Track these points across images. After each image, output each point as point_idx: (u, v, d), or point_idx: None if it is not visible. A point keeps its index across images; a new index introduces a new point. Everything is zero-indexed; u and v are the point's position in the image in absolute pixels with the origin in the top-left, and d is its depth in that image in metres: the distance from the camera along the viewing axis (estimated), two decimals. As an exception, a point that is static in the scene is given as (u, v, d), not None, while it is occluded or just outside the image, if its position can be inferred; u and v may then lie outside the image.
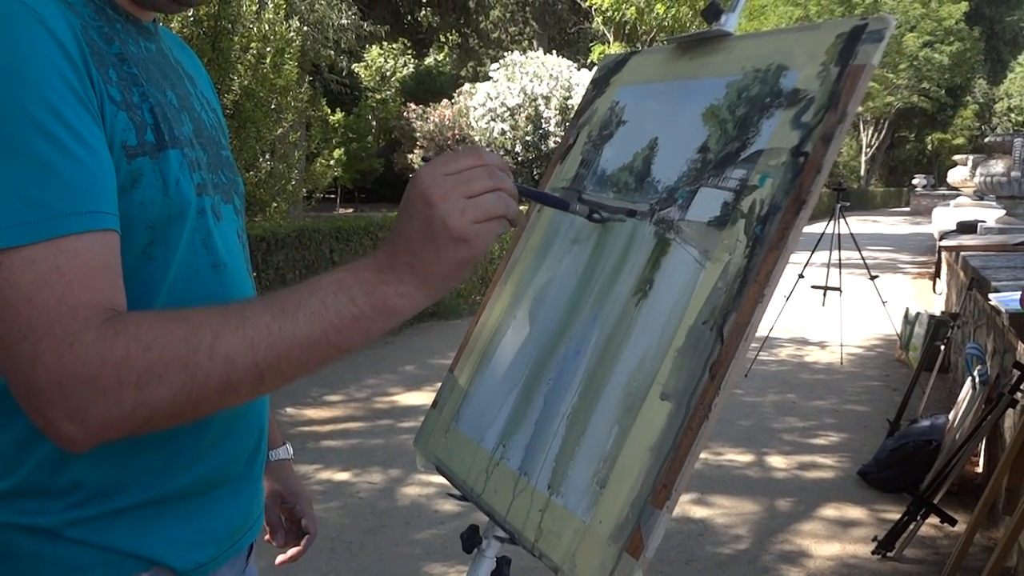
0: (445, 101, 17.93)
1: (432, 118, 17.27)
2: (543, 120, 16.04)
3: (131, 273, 0.83)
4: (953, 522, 3.38)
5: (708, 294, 0.83)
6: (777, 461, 4.63)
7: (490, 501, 0.97)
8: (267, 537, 1.32)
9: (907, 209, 36.68)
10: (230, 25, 7.83)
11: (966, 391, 4.01)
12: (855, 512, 3.93)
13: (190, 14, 7.39)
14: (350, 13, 16.73)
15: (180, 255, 0.89)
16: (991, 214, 9.00)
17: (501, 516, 0.94)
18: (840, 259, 6.78)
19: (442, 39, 27.41)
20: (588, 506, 0.84)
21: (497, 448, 1.00)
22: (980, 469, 4.21)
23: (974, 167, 8.76)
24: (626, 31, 19.52)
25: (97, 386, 0.70)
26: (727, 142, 0.91)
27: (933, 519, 3.41)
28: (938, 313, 6.60)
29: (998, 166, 7.65)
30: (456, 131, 16.86)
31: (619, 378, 0.88)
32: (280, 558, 1.31)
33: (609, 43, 19.66)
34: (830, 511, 3.95)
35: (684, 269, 0.87)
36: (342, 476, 4.38)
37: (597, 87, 1.20)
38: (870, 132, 42.26)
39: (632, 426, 0.84)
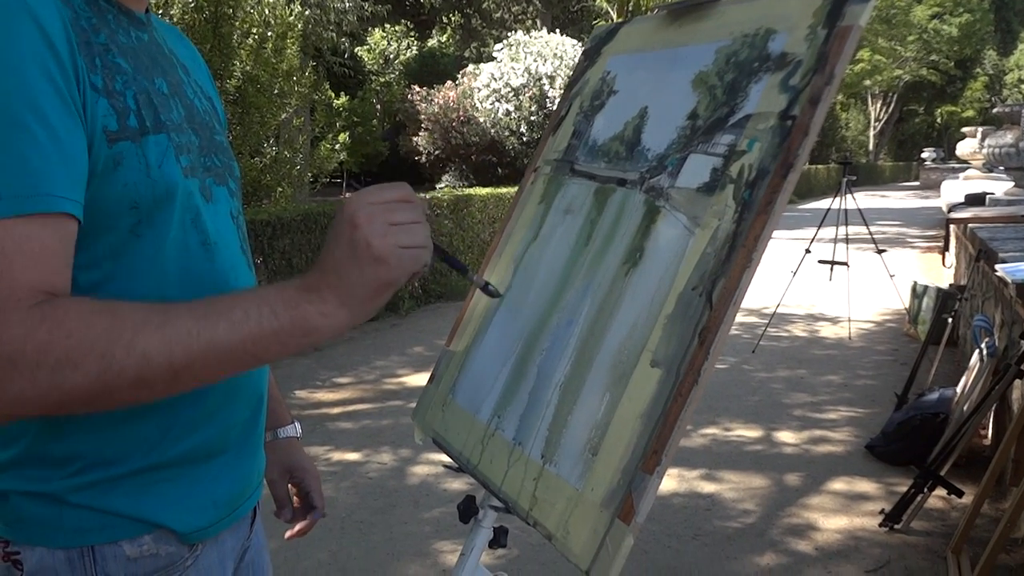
0: (449, 83, 17.84)
1: (436, 100, 17.19)
2: (548, 100, 15.97)
3: (121, 250, 0.87)
4: (960, 494, 3.38)
5: (697, 260, 0.83)
6: (786, 436, 4.64)
7: (486, 471, 0.98)
8: (275, 512, 1.35)
9: (916, 183, 36.46)
10: (231, 10, 7.79)
11: (974, 363, 3.99)
12: (863, 485, 3.93)
13: (190, 1, 7.37)
14: (351, -5, 16.64)
15: (171, 234, 0.92)
16: (1000, 186, 8.93)
17: (496, 486, 0.95)
18: (847, 234, 6.74)
19: (444, 20, 27.27)
20: (580, 474, 0.84)
21: (492, 419, 1.00)
22: (988, 441, 4.20)
23: (983, 139, 8.68)
24: (629, 8, 19.37)
25: (15, 364, 0.73)
26: (716, 108, 0.90)
27: (941, 491, 3.42)
28: (946, 286, 6.58)
29: (1007, 137, 7.59)
30: (461, 113, 16.79)
31: (610, 346, 0.88)
32: (288, 533, 1.34)
33: (612, 21, 19.52)
34: (838, 485, 3.95)
35: (674, 236, 0.87)
36: (352, 457, 4.40)
37: (589, 57, 1.20)
38: (878, 106, 41.94)
39: (623, 394, 0.84)
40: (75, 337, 0.74)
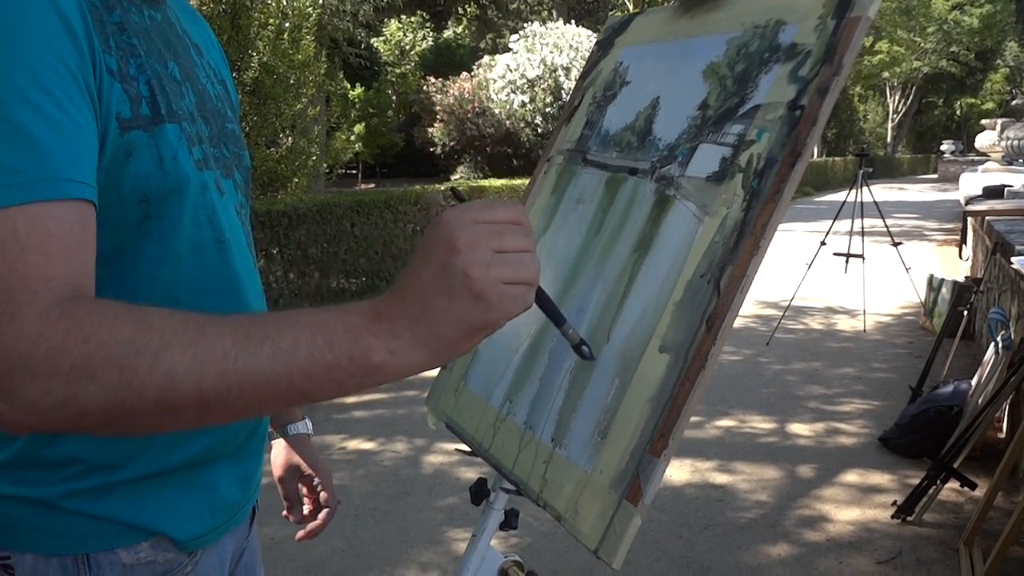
0: (465, 74, 17.86)
1: (452, 91, 17.22)
2: (563, 91, 15.94)
3: (126, 248, 0.82)
4: (973, 486, 3.38)
5: (706, 248, 0.84)
6: (800, 428, 4.64)
7: (497, 455, 0.99)
8: (284, 512, 1.33)
9: (934, 176, 36.14)
10: (249, 1, 7.83)
11: (989, 356, 3.98)
12: (876, 478, 3.93)
13: (209, -9, 7.42)
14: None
15: (184, 231, 0.87)
16: (1019, 179, 8.86)
17: (508, 469, 0.97)
18: (863, 226, 6.72)
19: (460, 11, 27.24)
20: (590, 457, 0.86)
21: (504, 404, 1.02)
22: (1003, 434, 4.19)
23: (1002, 131, 8.61)
24: (646, 0, 19.30)
25: (27, 366, 0.63)
26: (726, 98, 0.92)
27: (954, 483, 3.41)
28: (963, 279, 6.54)
29: (1026, 129, 7.51)
30: (476, 104, 16.80)
31: (620, 333, 0.90)
32: (300, 533, 1.31)
33: (629, 12, 19.46)
34: (851, 477, 3.95)
35: (683, 224, 0.89)
36: (367, 445, 4.45)
37: (602, 48, 1.21)
38: (897, 98, 41.58)
39: (632, 379, 0.85)
40: (93, 343, 0.64)
